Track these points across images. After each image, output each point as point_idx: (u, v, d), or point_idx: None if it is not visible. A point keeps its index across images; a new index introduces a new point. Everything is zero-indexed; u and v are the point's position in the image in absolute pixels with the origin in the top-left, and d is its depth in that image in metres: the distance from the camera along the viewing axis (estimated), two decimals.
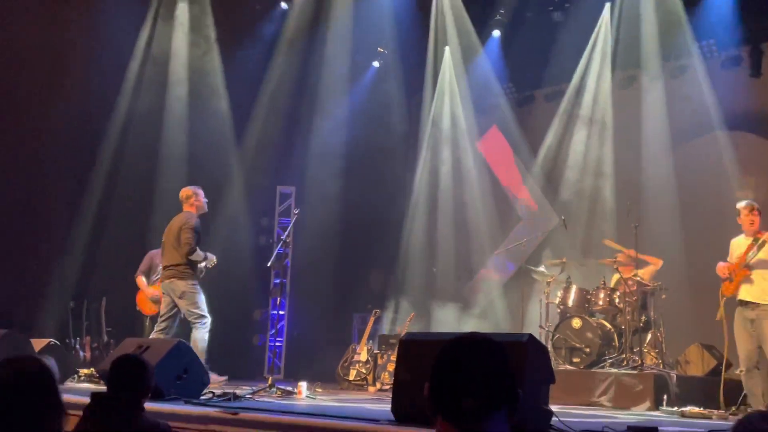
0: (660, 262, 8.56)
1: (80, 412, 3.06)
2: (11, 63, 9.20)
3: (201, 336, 7.06)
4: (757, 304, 6.19)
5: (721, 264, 6.52)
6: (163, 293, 7.39)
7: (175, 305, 7.22)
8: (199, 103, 10.74)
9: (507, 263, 11.20)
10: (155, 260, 8.40)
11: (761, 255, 6.22)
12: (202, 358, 6.72)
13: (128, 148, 10.10)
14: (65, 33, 9.38)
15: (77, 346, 9.27)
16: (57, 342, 7.93)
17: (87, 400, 3.12)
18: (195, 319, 7.13)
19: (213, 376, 6.81)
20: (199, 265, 7.36)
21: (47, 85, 9.45)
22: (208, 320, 7.20)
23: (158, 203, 9.97)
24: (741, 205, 6.59)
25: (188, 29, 10.75)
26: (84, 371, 7.84)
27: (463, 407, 1.67)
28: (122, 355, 3.26)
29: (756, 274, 6.23)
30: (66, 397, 4.13)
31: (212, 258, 7.44)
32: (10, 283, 9.11)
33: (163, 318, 7.30)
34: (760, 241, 6.25)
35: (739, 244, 6.53)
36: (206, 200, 7.60)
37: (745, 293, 6.26)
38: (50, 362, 3.52)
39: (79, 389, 6.37)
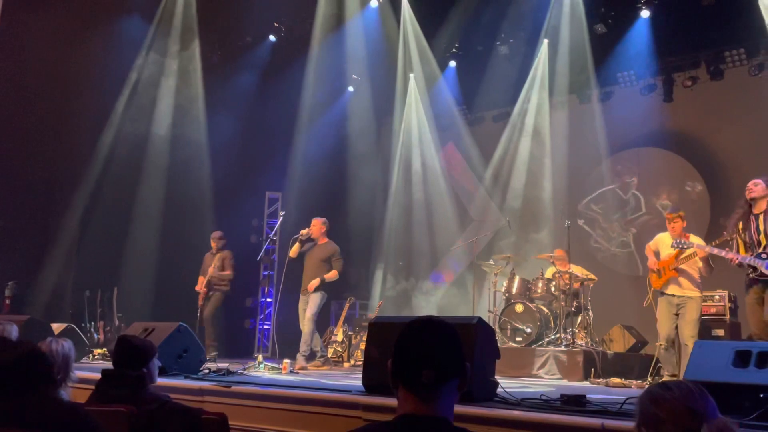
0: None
1: (93, 386, 3.01)
2: (30, 85, 9.06)
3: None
4: (682, 296, 6.29)
5: (652, 257, 6.53)
6: None
7: None
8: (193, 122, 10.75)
9: (455, 264, 11.36)
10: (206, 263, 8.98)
11: (686, 259, 6.27)
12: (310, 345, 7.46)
13: (114, 166, 9.94)
14: (76, 60, 9.22)
15: (92, 330, 9.14)
16: (74, 326, 7.80)
17: (99, 376, 3.07)
18: None
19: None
20: None
21: (60, 105, 9.31)
22: None
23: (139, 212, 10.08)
24: (666, 212, 6.74)
25: (178, 54, 10.59)
26: (98, 351, 7.73)
27: (422, 378, 1.67)
28: (121, 336, 3.20)
29: (683, 276, 6.31)
30: (81, 374, 4.07)
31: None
32: (35, 277, 9.00)
33: None
34: (686, 247, 6.27)
35: (665, 242, 6.52)
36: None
37: (673, 289, 6.32)
38: (68, 343, 3.45)
39: (93, 366, 6.26)
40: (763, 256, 5.41)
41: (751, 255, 5.49)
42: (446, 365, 1.70)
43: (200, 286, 8.76)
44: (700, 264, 6.23)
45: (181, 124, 10.60)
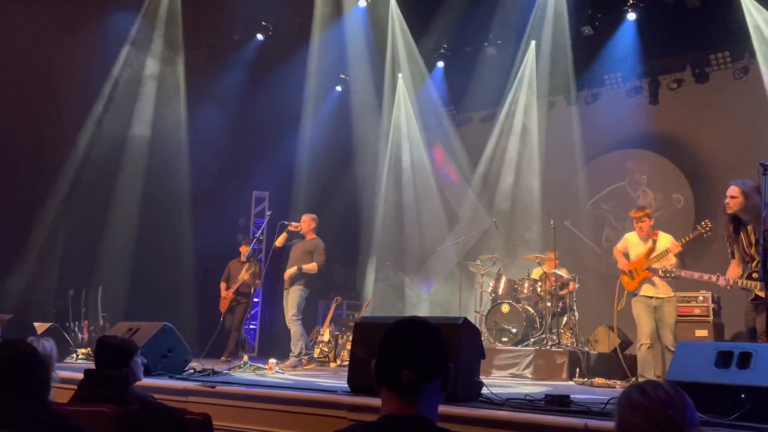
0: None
1: (76, 386, 2.99)
2: (10, 82, 8.99)
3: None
4: (659, 297, 6.17)
5: (622, 259, 6.38)
6: None
7: None
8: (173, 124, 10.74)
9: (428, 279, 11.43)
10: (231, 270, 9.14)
11: (658, 258, 6.09)
12: (300, 346, 7.42)
13: (97, 164, 9.86)
14: (57, 58, 9.15)
15: (76, 329, 9.07)
16: (57, 325, 7.74)
17: (82, 376, 3.05)
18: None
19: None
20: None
21: (41, 103, 9.24)
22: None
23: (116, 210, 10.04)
24: (631, 212, 6.58)
25: (162, 53, 10.54)
26: (81, 351, 7.69)
27: (402, 378, 1.67)
28: (100, 337, 3.18)
29: (656, 275, 6.09)
30: (64, 374, 4.04)
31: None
32: (18, 276, 8.92)
33: None
34: (656, 245, 6.14)
35: (633, 242, 6.39)
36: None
37: (647, 290, 6.17)
38: (50, 343, 3.43)
39: (76, 366, 6.21)
40: (755, 276, 4.92)
41: (741, 275, 5.04)
42: (427, 365, 1.70)
43: (225, 292, 8.91)
44: (673, 261, 6.02)
45: (165, 123, 10.55)
